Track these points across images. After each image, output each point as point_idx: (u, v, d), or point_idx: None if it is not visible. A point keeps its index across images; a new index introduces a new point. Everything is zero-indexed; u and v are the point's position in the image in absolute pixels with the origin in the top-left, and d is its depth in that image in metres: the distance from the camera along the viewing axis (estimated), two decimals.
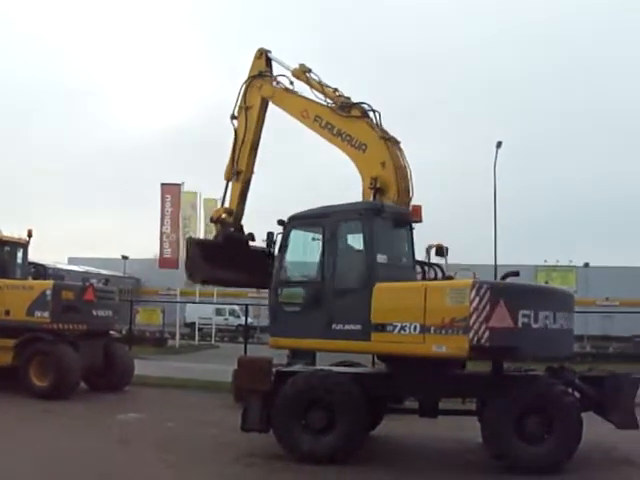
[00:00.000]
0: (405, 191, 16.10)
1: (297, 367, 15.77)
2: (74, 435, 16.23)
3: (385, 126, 16.58)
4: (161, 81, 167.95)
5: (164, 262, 48.25)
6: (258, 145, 18.76)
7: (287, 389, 14.42)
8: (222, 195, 19.01)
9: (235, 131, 18.55)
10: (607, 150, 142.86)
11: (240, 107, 18.56)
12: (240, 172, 18.57)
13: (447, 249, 16.76)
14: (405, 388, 15.11)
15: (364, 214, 14.98)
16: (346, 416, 14.11)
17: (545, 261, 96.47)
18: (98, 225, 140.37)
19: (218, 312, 63.22)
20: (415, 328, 13.55)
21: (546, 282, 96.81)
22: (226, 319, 67.02)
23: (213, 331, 56.52)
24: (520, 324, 13.40)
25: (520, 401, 13.77)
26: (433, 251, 16.77)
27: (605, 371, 15.94)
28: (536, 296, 14.45)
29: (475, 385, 15.05)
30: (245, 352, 25.95)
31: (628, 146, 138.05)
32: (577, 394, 14.62)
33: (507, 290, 13.95)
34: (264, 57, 18.69)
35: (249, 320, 37.56)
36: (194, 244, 19.04)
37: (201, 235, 50.36)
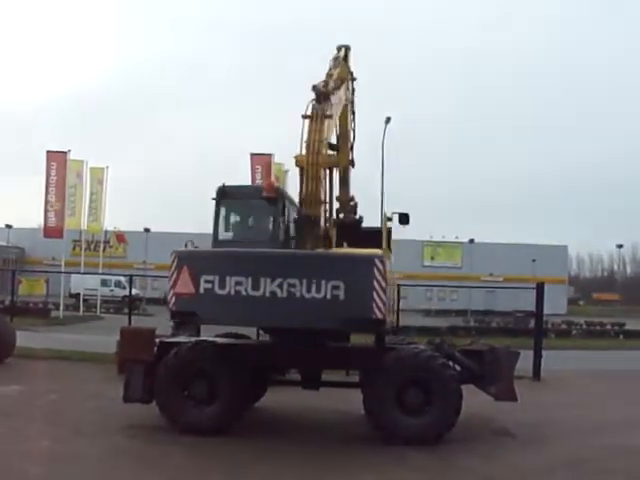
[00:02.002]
0: None
1: (180, 338, 15.67)
2: None
3: None
4: (52, 48, 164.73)
5: (49, 231, 47.29)
6: None
7: (170, 359, 14.33)
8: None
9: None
10: (511, 133, 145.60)
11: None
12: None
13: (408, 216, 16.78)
14: (287, 360, 15.20)
15: (215, 197, 15.50)
16: (228, 387, 14.13)
17: (431, 237, 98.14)
18: None
19: (104, 283, 62.52)
20: None
21: (432, 258, 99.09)
22: (112, 290, 66.24)
23: (98, 302, 55.62)
24: (202, 290, 13.55)
25: (401, 374, 13.99)
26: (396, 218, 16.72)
27: (485, 345, 16.27)
28: (225, 262, 13.91)
29: (357, 357, 15.26)
30: (129, 322, 25.63)
31: (530, 128, 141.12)
32: (457, 367, 14.95)
33: (190, 257, 14.12)
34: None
35: (135, 291, 37.12)
36: None
37: (86, 205, 49.72)
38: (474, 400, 15.12)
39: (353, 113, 19.38)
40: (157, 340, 15.00)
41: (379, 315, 13.19)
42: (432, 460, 12.97)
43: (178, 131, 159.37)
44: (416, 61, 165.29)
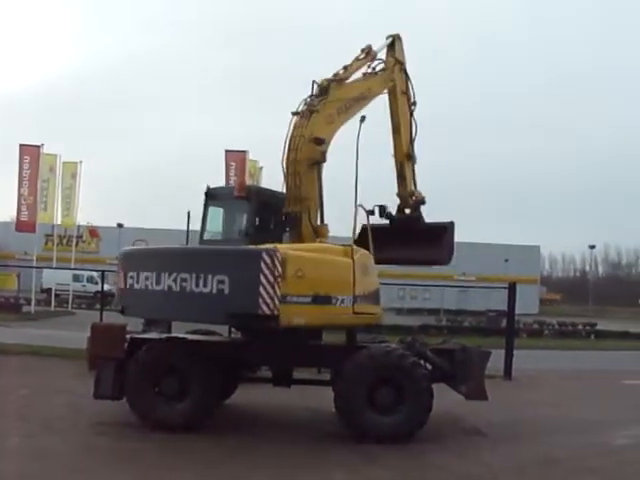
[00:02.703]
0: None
1: (152, 334, 15.63)
2: None
3: None
4: (27, 40, 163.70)
5: (21, 225, 46.86)
6: None
7: (141, 356, 14.29)
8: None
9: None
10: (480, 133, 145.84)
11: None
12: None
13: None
14: (258, 357, 15.21)
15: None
16: (199, 384, 14.11)
17: None
18: None
19: (76, 278, 62.10)
20: None
21: None
22: (84, 285, 65.81)
23: (70, 297, 55.35)
24: (127, 285, 14.22)
25: (372, 372, 14.00)
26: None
27: (457, 344, 16.31)
28: (141, 258, 14.61)
29: (328, 355, 15.24)
30: (101, 318, 25.47)
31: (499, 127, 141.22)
32: (429, 366, 15.00)
33: (122, 256, 15.03)
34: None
35: (107, 287, 36.84)
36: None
37: (59, 199, 49.40)
38: (445, 399, 15.16)
39: (413, 104, 19.00)
40: (128, 336, 14.91)
41: (266, 310, 12.89)
42: (403, 459, 12.98)
43: (153, 127, 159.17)
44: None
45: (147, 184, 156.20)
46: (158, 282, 13.59)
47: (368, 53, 17.86)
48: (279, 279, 12.93)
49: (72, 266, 55.69)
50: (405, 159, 18.66)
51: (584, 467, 12.94)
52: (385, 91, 18.31)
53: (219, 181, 39.91)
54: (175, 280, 13.40)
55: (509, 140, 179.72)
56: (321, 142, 15.68)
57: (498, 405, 16.81)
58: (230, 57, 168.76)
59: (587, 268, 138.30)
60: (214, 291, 13.08)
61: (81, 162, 52.35)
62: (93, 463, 11.93)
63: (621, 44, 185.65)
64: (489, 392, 15.09)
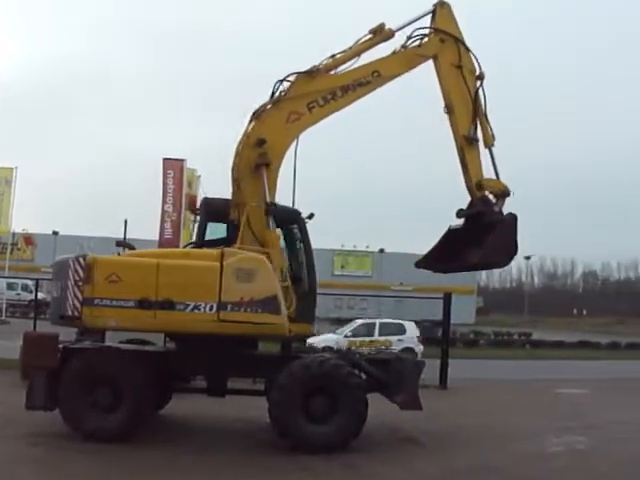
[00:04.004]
0: None
1: (85, 344, 15.46)
2: None
3: None
4: None
5: None
6: None
7: (74, 366, 14.12)
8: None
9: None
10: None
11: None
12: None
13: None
14: (192, 367, 15.17)
15: None
16: (131, 394, 13.98)
17: (342, 246, 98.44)
18: None
19: (10, 286, 61.19)
20: None
21: (342, 266, 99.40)
22: (18, 294, 64.79)
23: (4, 306, 54.69)
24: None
25: (307, 382, 14.00)
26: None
27: (391, 353, 16.40)
28: (53, 268, 15.93)
29: (262, 365, 15.22)
30: (34, 327, 25.13)
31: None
32: (363, 375, 15.02)
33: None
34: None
35: (42, 296, 36.47)
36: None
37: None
38: (380, 408, 15.21)
39: (478, 78, 16.48)
40: (61, 346, 14.75)
41: (69, 312, 13.89)
42: (338, 468, 13.06)
43: (91, 133, 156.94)
44: None
45: (83, 191, 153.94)
46: (54, 290, 15.21)
47: (378, 33, 16.07)
48: (82, 283, 13.76)
49: (6, 274, 54.98)
50: (465, 143, 16.27)
51: (516, 475, 13.14)
52: (410, 70, 16.33)
53: (156, 189, 40.01)
54: (55, 287, 15.02)
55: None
56: (262, 143, 15.17)
57: (433, 414, 16.93)
58: (168, 61, 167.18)
59: (523, 279, 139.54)
60: (56, 295, 14.85)
61: (16, 168, 51.75)
62: (25, 474, 11.80)
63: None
64: (424, 401, 15.16)
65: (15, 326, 39.66)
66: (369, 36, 16.06)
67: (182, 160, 41.74)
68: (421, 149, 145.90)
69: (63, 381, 14.07)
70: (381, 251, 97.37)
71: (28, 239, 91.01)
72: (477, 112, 16.31)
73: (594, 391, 26.02)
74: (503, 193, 16.23)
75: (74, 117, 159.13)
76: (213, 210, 15.99)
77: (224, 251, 14.16)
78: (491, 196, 16.29)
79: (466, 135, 16.20)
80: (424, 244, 17.16)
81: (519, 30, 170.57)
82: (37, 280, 33.45)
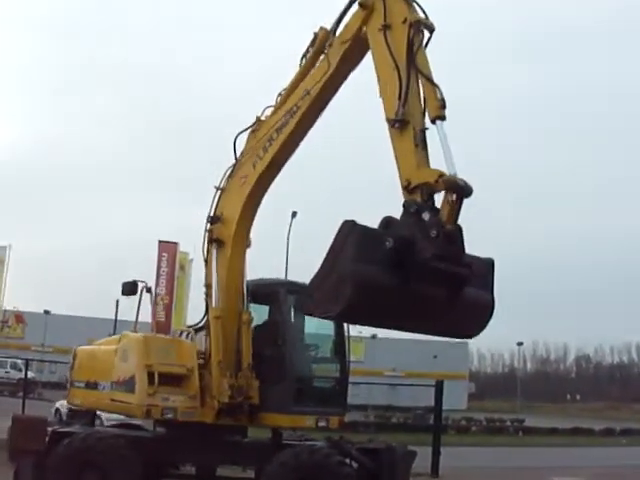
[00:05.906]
0: None
1: (74, 427, 15.30)
2: None
3: None
4: None
5: None
6: None
7: (61, 449, 13.94)
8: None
9: None
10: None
11: None
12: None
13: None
14: (182, 453, 14.97)
15: None
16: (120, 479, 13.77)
17: None
18: None
19: None
20: None
21: None
22: (7, 372, 64.47)
23: None
24: None
25: (297, 471, 13.72)
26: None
27: (382, 443, 16.16)
28: None
29: (253, 453, 15.04)
30: (23, 407, 24.94)
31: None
32: (354, 465, 14.77)
33: None
34: None
35: (31, 375, 36.29)
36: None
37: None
38: None
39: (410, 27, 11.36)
40: (49, 429, 14.59)
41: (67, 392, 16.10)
42: None
43: (82, 212, 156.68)
44: None
45: (74, 269, 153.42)
46: None
47: (315, 41, 13.73)
48: (71, 369, 15.86)
49: None
50: (391, 130, 11.24)
51: None
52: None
53: (150, 271, 39.93)
54: None
55: None
56: (216, 220, 14.61)
57: None
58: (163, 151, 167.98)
59: (515, 364, 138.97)
60: None
61: (10, 246, 51.68)
62: None
63: None
64: None
65: (3, 404, 39.26)
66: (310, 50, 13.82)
67: (175, 243, 41.83)
68: None
69: (50, 465, 13.90)
70: (373, 337, 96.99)
71: (19, 317, 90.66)
72: (408, 76, 11.15)
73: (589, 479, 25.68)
74: (453, 188, 10.10)
75: (66, 196, 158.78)
76: None
77: (122, 335, 15.47)
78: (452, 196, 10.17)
79: (391, 118, 11.24)
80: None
81: None
82: (27, 360, 33.41)
